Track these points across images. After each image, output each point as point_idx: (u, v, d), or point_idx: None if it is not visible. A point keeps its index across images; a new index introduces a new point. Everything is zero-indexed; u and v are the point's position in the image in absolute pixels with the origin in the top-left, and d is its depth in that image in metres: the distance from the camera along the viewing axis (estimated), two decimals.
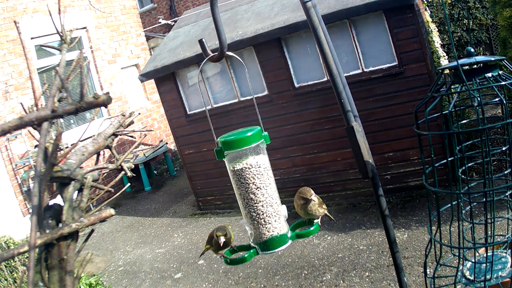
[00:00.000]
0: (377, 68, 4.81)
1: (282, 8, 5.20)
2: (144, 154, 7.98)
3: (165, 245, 5.53)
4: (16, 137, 6.87)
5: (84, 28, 8.19)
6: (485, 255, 1.49)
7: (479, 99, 1.31)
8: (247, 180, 1.44)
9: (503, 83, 1.35)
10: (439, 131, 3.20)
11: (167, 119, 6.38)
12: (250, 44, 5.21)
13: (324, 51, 1.67)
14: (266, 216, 1.45)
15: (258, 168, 1.45)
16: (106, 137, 1.26)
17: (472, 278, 1.50)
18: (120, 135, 1.31)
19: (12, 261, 4.42)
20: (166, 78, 6.04)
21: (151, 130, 2.46)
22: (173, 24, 8.19)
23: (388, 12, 4.57)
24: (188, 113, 6.11)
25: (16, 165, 6.87)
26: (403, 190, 4.98)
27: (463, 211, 1.58)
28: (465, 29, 8.43)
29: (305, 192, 1.59)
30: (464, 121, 1.62)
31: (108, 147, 1.26)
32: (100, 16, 8.48)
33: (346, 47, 4.90)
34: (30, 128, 0.93)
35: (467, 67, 1.39)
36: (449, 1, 8.36)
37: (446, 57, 6.49)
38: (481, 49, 8.53)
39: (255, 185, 1.44)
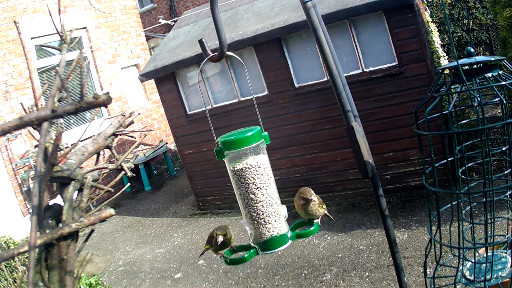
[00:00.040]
0: (377, 68, 4.81)
1: (282, 8, 5.20)
2: (144, 154, 7.98)
3: (165, 245, 5.53)
4: (16, 137, 6.87)
5: (84, 28, 8.19)
6: (485, 255, 1.49)
7: (479, 99, 1.31)
8: (247, 180, 1.44)
9: (503, 83, 1.35)
10: (439, 131, 3.20)
11: (167, 119, 6.38)
12: (250, 44, 5.21)
13: (324, 51, 1.67)
14: (266, 216, 1.45)
15: (258, 168, 1.45)
16: (106, 137, 1.26)
17: (472, 278, 1.50)
18: (120, 135, 1.31)
19: (12, 261, 4.42)
20: (166, 78, 6.04)
21: (151, 130, 2.47)
22: (173, 24, 8.19)
23: (388, 12, 4.57)
24: (188, 113, 6.10)
25: (16, 165, 6.87)
26: (403, 190, 4.98)
27: (463, 211, 1.58)
28: (465, 29, 8.43)
29: (305, 192, 1.59)
30: (464, 121, 1.62)
31: (108, 147, 1.26)
32: (100, 16, 8.48)
33: (346, 47, 4.90)
34: (30, 128, 0.93)
35: (467, 67, 1.40)
36: (449, 1, 8.35)
37: (446, 57, 6.49)
38: (481, 49, 8.53)
39: (255, 185, 1.44)
